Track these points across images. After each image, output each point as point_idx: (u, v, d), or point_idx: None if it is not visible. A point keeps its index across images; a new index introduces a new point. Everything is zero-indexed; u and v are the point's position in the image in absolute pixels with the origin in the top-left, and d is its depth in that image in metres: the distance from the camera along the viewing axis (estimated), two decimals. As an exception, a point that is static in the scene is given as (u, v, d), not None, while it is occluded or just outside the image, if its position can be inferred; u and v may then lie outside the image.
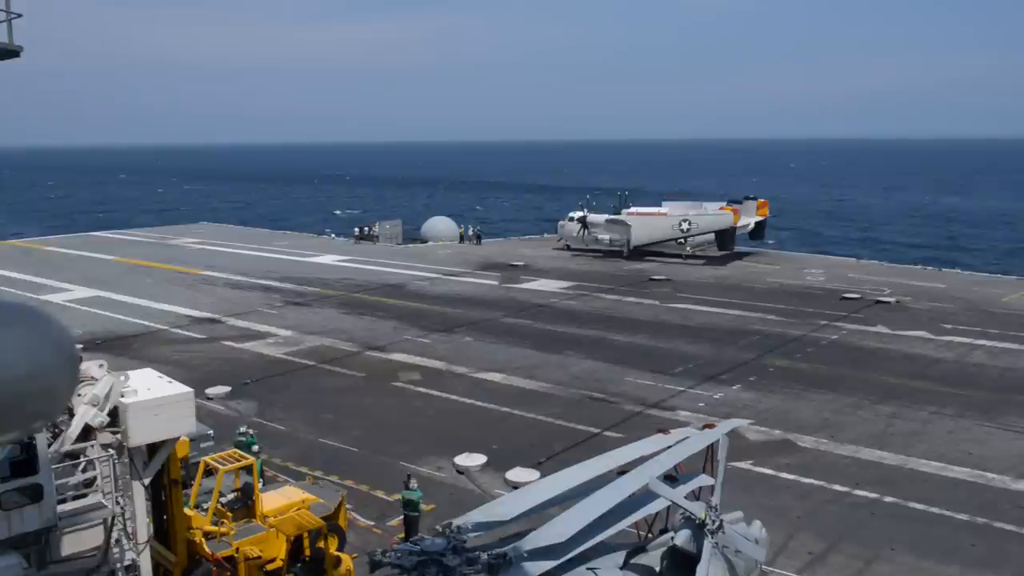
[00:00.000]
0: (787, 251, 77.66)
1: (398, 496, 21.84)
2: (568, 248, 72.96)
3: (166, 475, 15.51)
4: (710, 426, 17.25)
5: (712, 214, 68.76)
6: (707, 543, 13.55)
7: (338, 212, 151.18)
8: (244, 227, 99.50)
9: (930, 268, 64.24)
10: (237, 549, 16.91)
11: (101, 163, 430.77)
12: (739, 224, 68.00)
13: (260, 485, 19.08)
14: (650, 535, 15.54)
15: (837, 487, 24.16)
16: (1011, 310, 47.22)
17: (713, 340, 41.01)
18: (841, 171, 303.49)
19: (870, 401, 31.70)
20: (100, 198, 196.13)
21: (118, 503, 13.63)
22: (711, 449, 16.01)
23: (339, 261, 68.09)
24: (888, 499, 23.36)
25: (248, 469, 18.42)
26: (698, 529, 13.74)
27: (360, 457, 26.31)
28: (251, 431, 25.07)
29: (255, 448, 23.36)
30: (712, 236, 68.93)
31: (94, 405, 13.24)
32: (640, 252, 68.44)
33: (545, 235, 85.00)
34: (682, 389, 33.30)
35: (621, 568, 13.95)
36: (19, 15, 14.45)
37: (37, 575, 12.73)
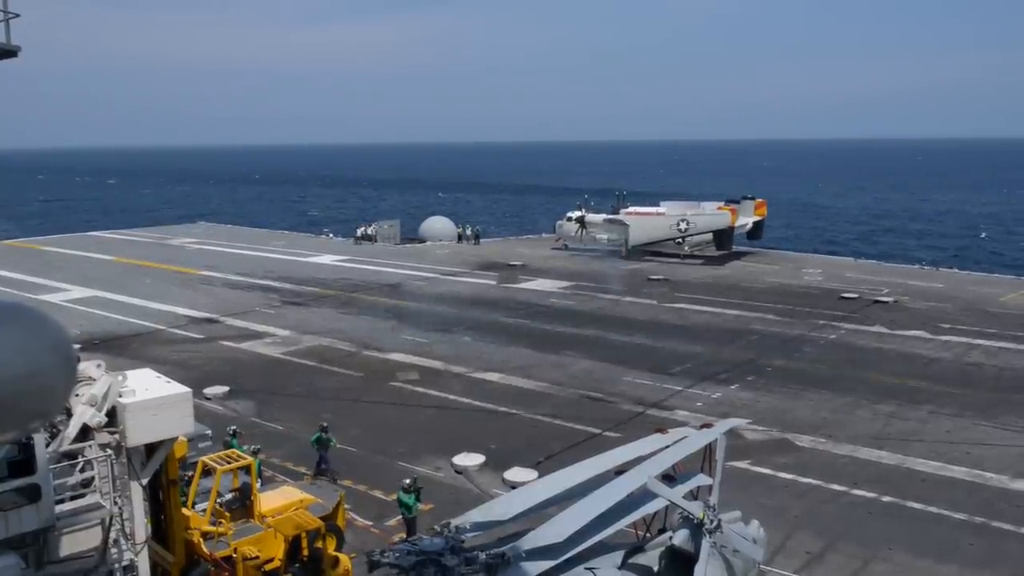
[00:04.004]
0: (785, 250, 77.66)
1: (396, 496, 21.87)
2: (566, 248, 73.00)
3: (164, 475, 15.50)
4: (708, 426, 17.26)
5: (710, 214, 68.84)
6: (705, 543, 13.56)
7: (315, 212, 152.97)
8: (242, 227, 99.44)
9: (927, 268, 64.31)
10: (235, 549, 16.91)
11: (97, 165, 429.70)
12: (737, 224, 68.10)
13: (258, 485, 19.08)
14: (648, 535, 15.54)
15: (835, 486, 24.19)
16: (1008, 310, 47.28)
17: (711, 340, 41.04)
18: (830, 171, 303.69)
19: (868, 401, 31.74)
20: (93, 200, 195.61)
21: (116, 503, 13.59)
22: (709, 449, 16.02)
23: (337, 261, 68.08)
24: (886, 498, 23.39)
25: (246, 469, 18.42)
26: (696, 529, 13.74)
27: (358, 457, 26.28)
28: (240, 429, 24.98)
29: (255, 448, 23.32)
30: (710, 236, 69.00)
31: (92, 405, 13.20)
32: (638, 252, 68.48)
33: (543, 235, 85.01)
34: (680, 389, 33.32)
35: (619, 568, 13.95)
36: (17, 15, 14.42)
37: (35, 575, 12.71)
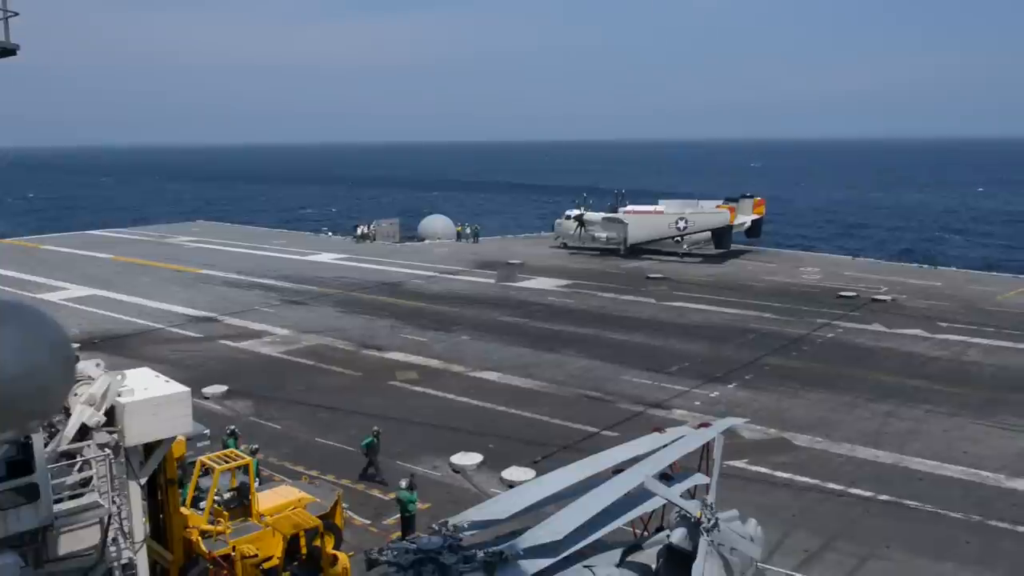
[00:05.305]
0: (783, 249, 77.69)
1: (394, 495, 21.93)
2: (565, 246, 73.05)
3: (163, 474, 15.53)
4: (705, 425, 17.32)
5: (708, 212, 68.83)
6: (703, 541, 13.60)
7: (309, 210, 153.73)
8: (241, 225, 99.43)
9: (925, 267, 64.38)
10: (234, 548, 16.93)
11: (94, 164, 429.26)
12: (736, 222, 68.12)
13: (256, 484, 19.10)
14: (646, 533, 15.60)
15: (832, 485, 24.24)
16: (1006, 308, 47.34)
17: (709, 338, 41.08)
18: (821, 170, 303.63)
19: (865, 399, 31.79)
20: (89, 199, 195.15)
21: (115, 502, 13.62)
22: (706, 448, 16.08)
23: (336, 260, 68.09)
24: (883, 497, 23.44)
25: (244, 468, 18.45)
26: (694, 527, 13.79)
27: (357, 456, 26.25)
28: (238, 429, 24.98)
29: (254, 447, 23.35)
30: (709, 234, 68.99)
31: (91, 404, 13.23)
32: (637, 250, 68.52)
33: (542, 233, 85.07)
34: (678, 388, 33.35)
35: (617, 566, 14.00)
36: (16, 13, 14.43)
37: (34, 574, 12.73)
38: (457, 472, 25.30)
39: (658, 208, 70.87)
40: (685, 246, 68.81)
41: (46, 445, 12.81)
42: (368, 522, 22.03)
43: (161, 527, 16.30)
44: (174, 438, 14.88)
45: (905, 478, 24.77)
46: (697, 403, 31.38)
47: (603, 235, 70.55)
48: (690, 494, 15.24)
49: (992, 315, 45.45)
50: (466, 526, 13.28)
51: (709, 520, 13.86)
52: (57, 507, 12.84)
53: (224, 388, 32.79)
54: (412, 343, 40.58)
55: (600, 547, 14.04)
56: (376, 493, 23.75)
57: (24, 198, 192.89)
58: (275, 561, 17.37)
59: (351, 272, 61.80)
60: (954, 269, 63.87)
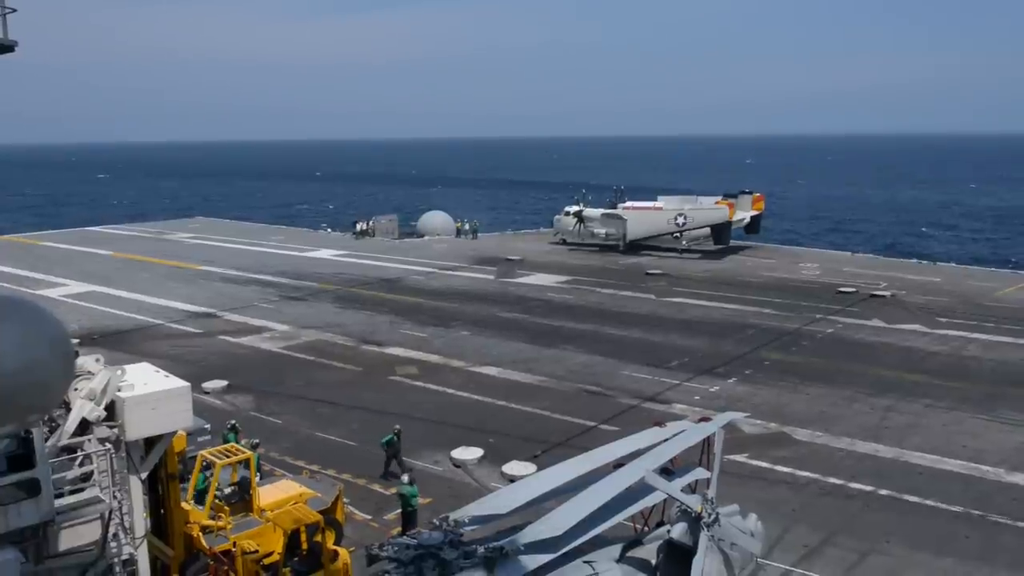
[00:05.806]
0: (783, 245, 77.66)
1: (395, 490, 21.95)
2: (564, 243, 73.01)
3: (163, 469, 15.52)
4: (706, 419, 17.31)
5: (708, 208, 68.77)
6: (703, 536, 13.60)
7: (306, 206, 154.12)
8: (240, 222, 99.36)
9: (924, 263, 64.37)
10: (234, 543, 16.94)
11: (90, 161, 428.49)
12: (735, 218, 68.09)
13: (257, 479, 19.10)
14: (646, 528, 15.59)
15: (832, 480, 24.26)
16: (1005, 304, 47.36)
17: (709, 334, 41.09)
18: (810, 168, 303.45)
19: (865, 394, 31.81)
20: (86, 196, 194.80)
21: (115, 497, 13.60)
22: (707, 442, 16.07)
23: (335, 256, 68.06)
24: (883, 492, 23.47)
25: (245, 463, 18.45)
26: (694, 522, 13.78)
27: (357, 451, 26.33)
28: (239, 424, 25.00)
29: (254, 442, 23.37)
30: (708, 230, 68.94)
31: (91, 399, 13.20)
32: (636, 246, 68.50)
33: (541, 229, 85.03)
34: (678, 382, 33.37)
35: (617, 561, 13.99)
36: (13, 10, 14.38)
37: (34, 570, 12.71)
38: (458, 467, 25.32)
39: (657, 204, 70.79)
40: (684, 242, 68.79)
41: (47, 440, 12.78)
42: (369, 517, 22.04)
43: (162, 522, 16.29)
44: (175, 433, 14.84)
45: (905, 472, 24.80)
46: (697, 397, 31.40)
47: (602, 231, 70.49)
48: (691, 489, 15.23)
49: (991, 310, 45.48)
50: (466, 521, 13.28)
51: (710, 515, 13.86)
52: (58, 502, 12.81)
53: (224, 383, 32.80)
54: (412, 338, 40.58)
55: (600, 542, 14.03)
56: (377, 488, 23.75)
57: (21, 194, 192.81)
58: (276, 557, 17.38)
59: (350, 268, 61.77)
60: (953, 265, 63.89)
